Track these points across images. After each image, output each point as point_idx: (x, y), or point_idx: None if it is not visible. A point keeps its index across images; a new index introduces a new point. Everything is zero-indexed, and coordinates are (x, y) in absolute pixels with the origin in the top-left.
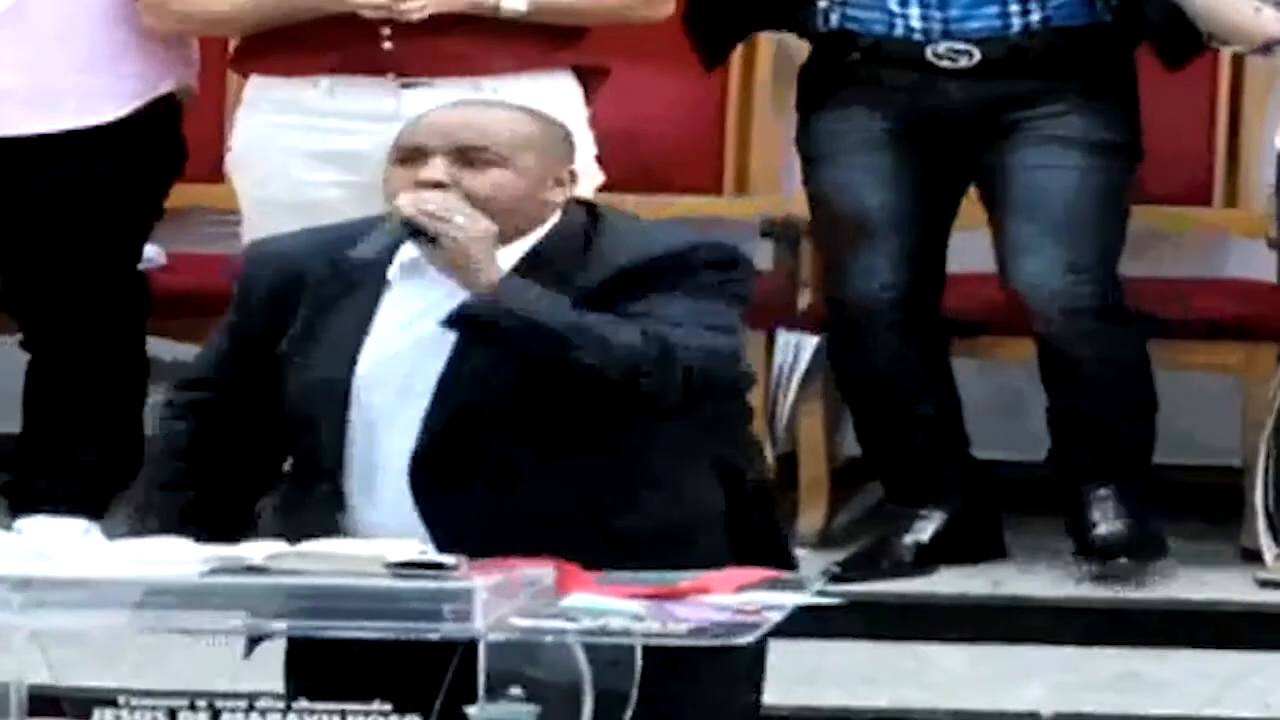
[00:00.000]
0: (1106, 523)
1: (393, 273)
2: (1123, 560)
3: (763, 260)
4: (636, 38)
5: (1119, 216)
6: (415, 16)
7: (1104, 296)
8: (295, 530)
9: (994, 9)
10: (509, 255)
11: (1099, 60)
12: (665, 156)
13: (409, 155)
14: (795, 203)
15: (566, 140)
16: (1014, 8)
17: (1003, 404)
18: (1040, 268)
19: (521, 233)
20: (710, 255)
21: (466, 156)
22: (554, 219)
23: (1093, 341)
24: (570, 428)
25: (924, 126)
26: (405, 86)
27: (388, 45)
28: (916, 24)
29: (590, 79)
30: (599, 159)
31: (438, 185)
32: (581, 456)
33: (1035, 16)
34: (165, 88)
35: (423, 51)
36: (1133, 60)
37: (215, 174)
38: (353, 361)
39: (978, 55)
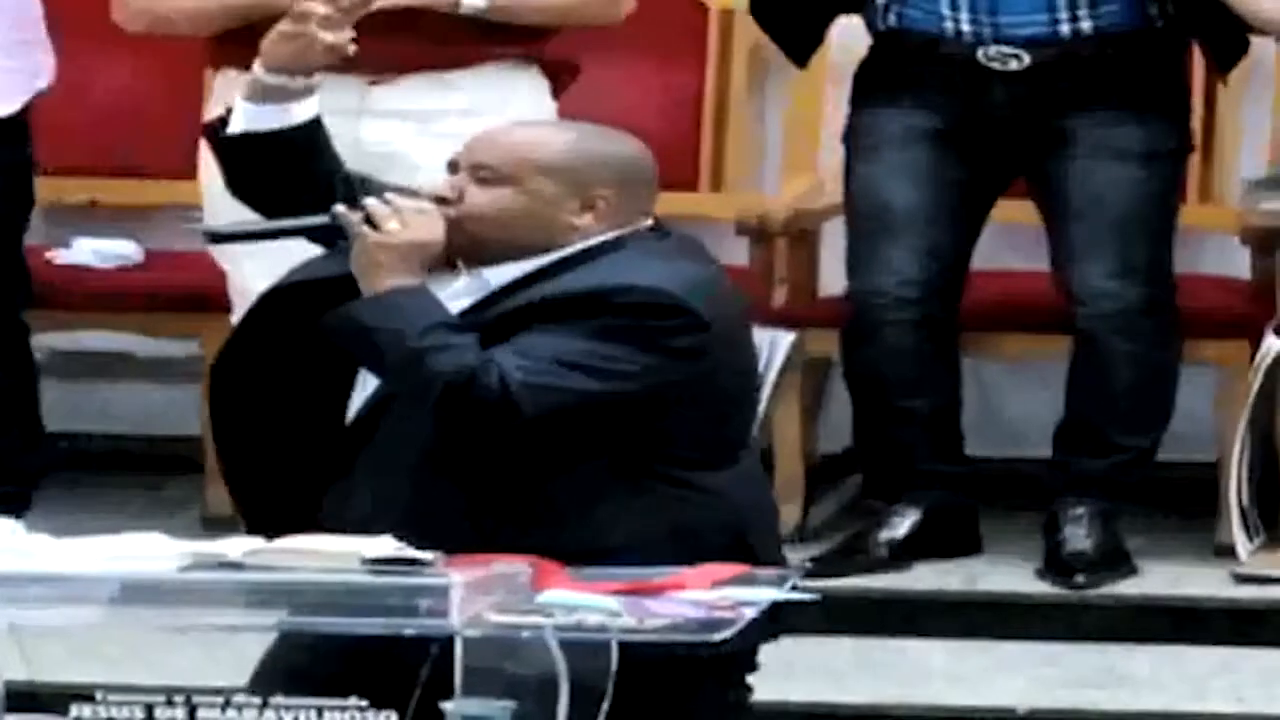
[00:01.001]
0: (1076, 541)
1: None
2: (1080, 578)
3: (739, 257)
4: (613, 34)
5: (1169, 218)
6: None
7: (1155, 297)
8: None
9: (1043, 14)
10: (512, 270)
11: (1149, 65)
12: None
13: (449, 169)
14: (770, 201)
15: (605, 165)
16: (1063, 13)
17: (980, 399)
18: (1095, 272)
19: (532, 250)
20: (639, 299)
21: (476, 172)
22: (587, 240)
23: (1137, 341)
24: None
25: (971, 127)
26: (372, 83)
27: (351, 49)
28: (967, 26)
29: (559, 75)
30: None
31: (441, 199)
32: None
33: (1085, 20)
34: (42, 84)
35: (387, 49)
36: (1182, 64)
37: (191, 171)
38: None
39: (1027, 59)
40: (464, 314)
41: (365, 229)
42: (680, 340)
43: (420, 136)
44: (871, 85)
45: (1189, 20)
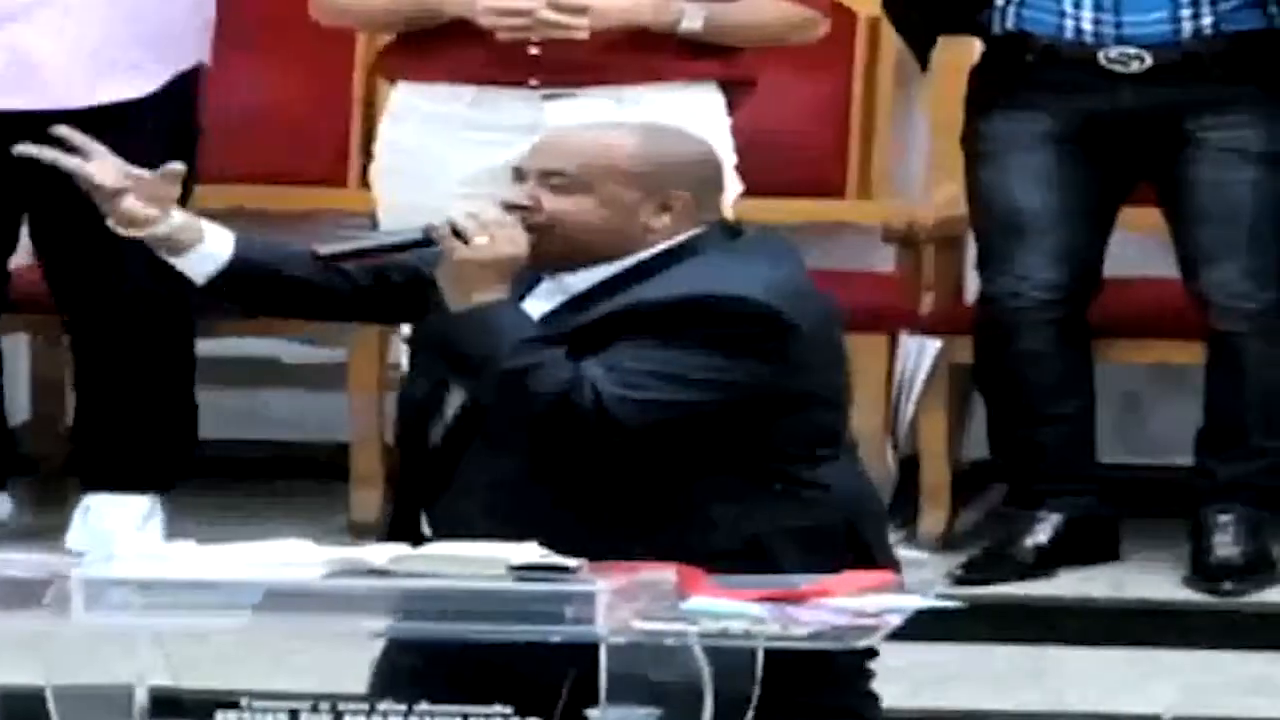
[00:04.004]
0: (1224, 548)
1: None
2: (1228, 585)
3: (885, 264)
4: None
5: None
6: (580, 35)
7: None
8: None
9: (1163, 13)
10: (591, 276)
11: (1272, 66)
12: (789, 160)
13: (516, 176)
14: (918, 207)
15: (678, 166)
16: (1185, 12)
17: (1121, 406)
18: (1224, 275)
19: (613, 256)
20: (727, 308)
21: (549, 180)
22: (663, 243)
23: (1272, 343)
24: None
25: (1094, 129)
26: (548, 98)
27: (534, 50)
28: (1088, 26)
29: (735, 90)
30: (738, 169)
31: (518, 207)
32: (593, 492)
33: (1206, 21)
34: (186, 65)
35: (569, 58)
36: None
37: (339, 178)
38: None
39: (1149, 60)
40: (543, 320)
41: (455, 243)
42: (770, 344)
43: None
44: (989, 89)
45: None
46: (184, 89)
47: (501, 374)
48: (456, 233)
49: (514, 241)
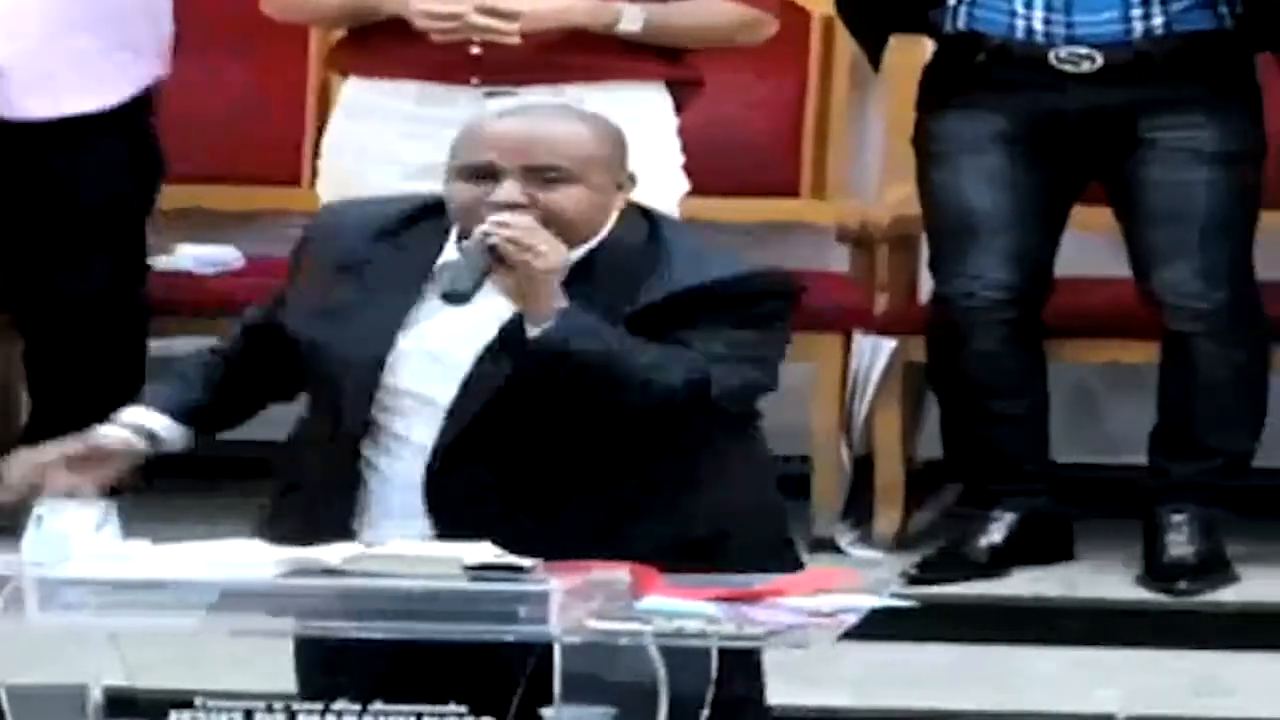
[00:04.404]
0: (1178, 547)
1: (438, 265)
2: (1182, 584)
3: (839, 264)
4: None
5: (1249, 219)
6: (511, 40)
7: (1240, 299)
8: (302, 468)
9: (1114, 13)
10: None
11: (1222, 66)
12: (743, 160)
13: (479, 172)
14: (872, 207)
15: (622, 143)
16: (1136, 12)
17: (1074, 406)
18: (1176, 275)
19: (583, 241)
20: (765, 285)
21: (541, 175)
22: (611, 223)
23: (1223, 342)
24: (589, 439)
25: (1045, 130)
26: (489, 95)
27: (475, 50)
28: (1039, 26)
29: (683, 90)
30: (688, 168)
31: (513, 206)
32: (601, 467)
33: (1157, 21)
34: (149, 79)
35: (510, 58)
36: (1254, 64)
37: (293, 177)
38: (391, 338)
39: (1100, 60)
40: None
41: (527, 258)
42: (790, 315)
43: None
44: (941, 89)
45: (1257, 23)
46: (145, 101)
47: (632, 371)
48: (493, 252)
49: (557, 247)
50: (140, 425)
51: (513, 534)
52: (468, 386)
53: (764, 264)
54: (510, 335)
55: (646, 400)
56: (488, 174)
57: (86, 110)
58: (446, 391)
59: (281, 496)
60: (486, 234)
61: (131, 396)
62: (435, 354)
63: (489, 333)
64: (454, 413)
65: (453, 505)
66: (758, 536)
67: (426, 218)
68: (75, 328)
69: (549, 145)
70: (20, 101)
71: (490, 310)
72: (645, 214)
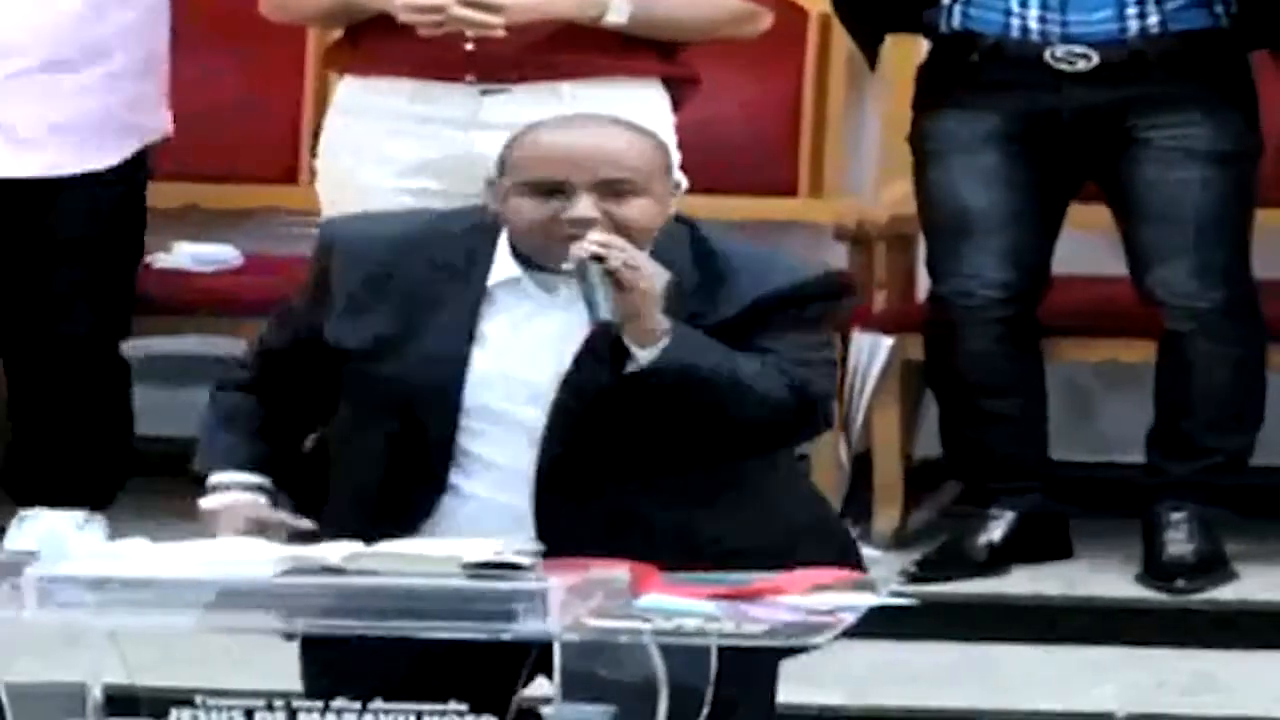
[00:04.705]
0: (1176, 546)
1: (493, 282)
2: (1181, 582)
3: (837, 262)
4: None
5: (1245, 217)
6: (496, 33)
7: (1237, 297)
8: (381, 508)
9: (1110, 12)
10: None
11: (1217, 65)
12: (740, 158)
13: (549, 188)
14: (870, 205)
15: (669, 151)
16: (1131, 11)
17: (1072, 404)
18: (1172, 274)
19: (643, 251)
20: (822, 287)
21: (611, 189)
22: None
23: (1220, 341)
24: (679, 445)
25: (1041, 128)
26: (485, 93)
27: (469, 47)
28: (1034, 25)
29: (679, 88)
30: (684, 166)
31: (589, 222)
32: (690, 473)
33: (1153, 20)
34: (151, 138)
35: (503, 54)
36: (1249, 63)
37: (290, 175)
38: (465, 357)
39: (1096, 59)
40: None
41: (639, 278)
42: (835, 315)
43: None
44: (936, 88)
45: (1254, 21)
46: (142, 158)
47: (747, 385)
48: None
49: (657, 265)
50: (254, 484)
51: (619, 548)
52: (561, 408)
53: (820, 266)
54: (599, 353)
55: (763, 412)
56: (557, 190)
57: (89, 169)
58: (526, 411)
59: (330, 502)
60: (598, 257)
61: (116, 409)
62: (507, 373)
63: (561, 349)
64: (550, 434)
65: (559, 526)
66: (822, 551)
67: (453, 230)
68: (58, 371)
69: (617, 159)
70: (20, 161)
71: (554, 327)
72: (679, 219)
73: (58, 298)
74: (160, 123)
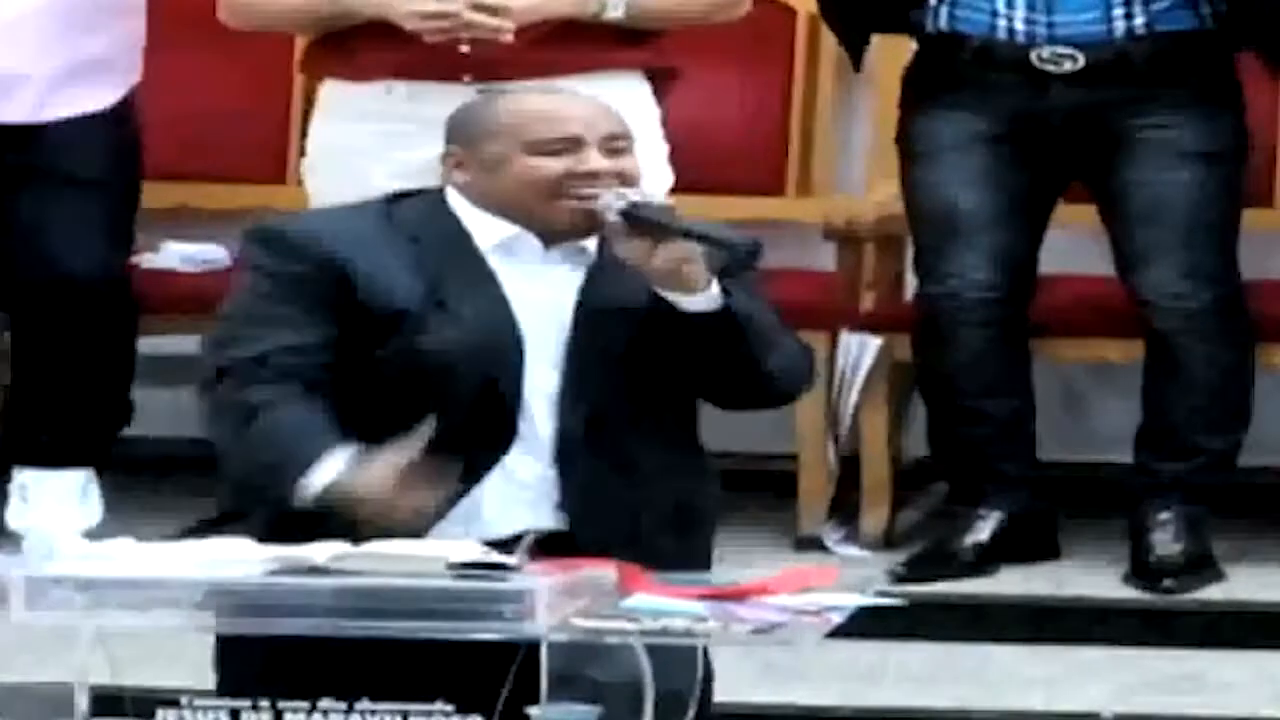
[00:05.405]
0: (1164, 546)
1: (486, 249)
2: (1168, 582)
3: (825, 262)
4: (700, 36)
5: (1233, 218)
6: (505, 37)
7: (1224, 297)
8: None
9: (1096, 13)
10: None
11: (1204, 66)
12: (728, 157)
13: (564, 146)
14: (858, 205)
15: None
16: (1117, 11)
17: (1060, 404)
18: (1160, 275)
19: None
20: (753, 248)
21: (613, 143)
22: None
23: (1208, 341)
24: (676, 408)
25: (1027, 129)
26: (481, 92)
27: (464, 49)
28: (1020, 26)
29: (660, 80)
30: (672, 161)
31: (596, 175)
32: (683, 440)
33: (1139, 20)
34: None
35: (497, 55)
36: (1234, 65)
37: (279, 175)
38: (513, 330)
39: (1082, 60)
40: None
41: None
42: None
43: None
44: (923, 89)
45: (1240, 22)
46: (130, 103)
47: (778, 335)
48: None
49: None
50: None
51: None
52: (575, 373)
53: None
54: (653, 306)
55: (795, 361)
56: (568, 147)
57: (79, 113)
58: (542, 375)
59: None
60: (670, 207)
61: (117, 363)
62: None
63: (560, 310)
64: (565, 399)
65: (581, 492)
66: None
67: (409, 208)
68: (51, 306)
69: (613, 115)
70: (16, 106)
71: (549, 290)
72: None
73: (60, 236)
74: (138, 66)
